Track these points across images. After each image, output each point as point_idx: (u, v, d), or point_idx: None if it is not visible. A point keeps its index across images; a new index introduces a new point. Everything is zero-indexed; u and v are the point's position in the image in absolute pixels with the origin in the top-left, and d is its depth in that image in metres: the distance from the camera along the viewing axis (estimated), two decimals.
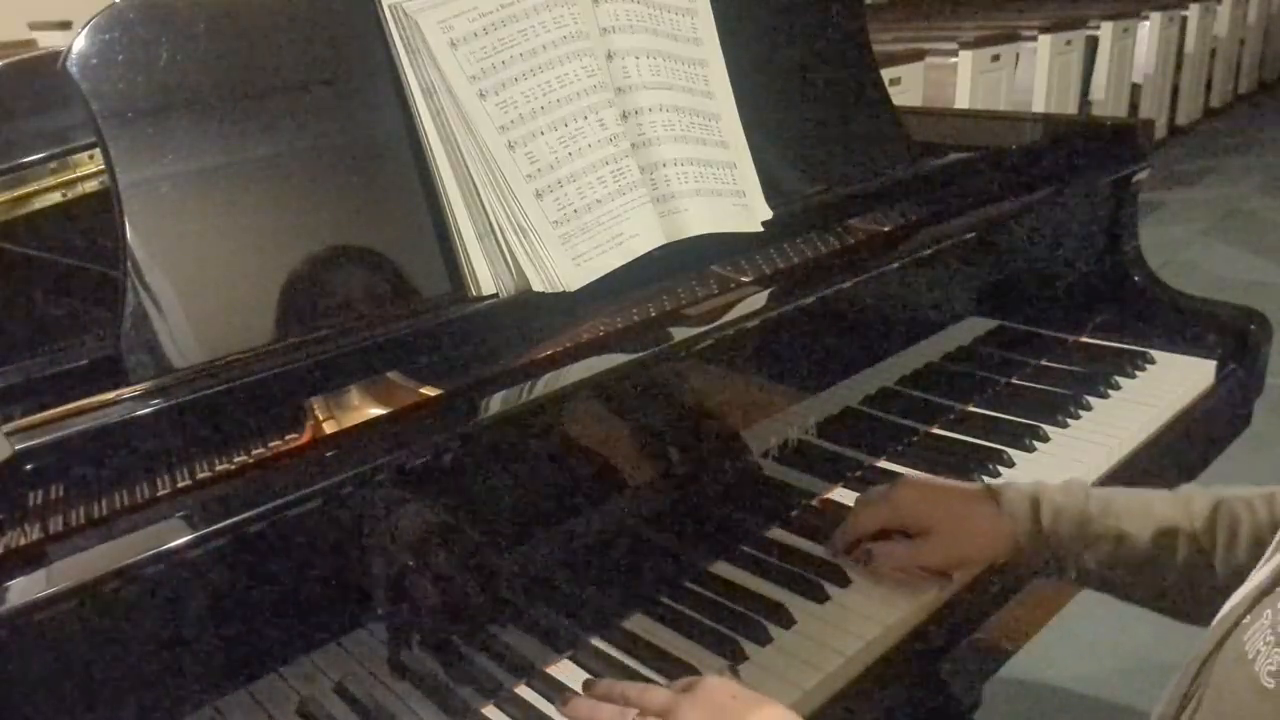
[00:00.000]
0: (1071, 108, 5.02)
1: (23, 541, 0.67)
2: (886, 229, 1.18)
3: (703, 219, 1.06)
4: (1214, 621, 0.68)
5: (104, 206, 0.85)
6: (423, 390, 0.82)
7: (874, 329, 1.20)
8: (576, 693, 0.85)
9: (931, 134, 1.49)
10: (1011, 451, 1.18)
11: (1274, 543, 0.70)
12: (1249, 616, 0.64)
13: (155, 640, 0.69)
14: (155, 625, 0.69)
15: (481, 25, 0.96)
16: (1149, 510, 0.91)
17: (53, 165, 1.04)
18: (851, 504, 1.11)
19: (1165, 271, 1.57)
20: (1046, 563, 0.94)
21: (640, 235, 1.01)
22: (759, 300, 1.00)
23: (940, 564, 0.96)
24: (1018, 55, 4.57)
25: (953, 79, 4.22)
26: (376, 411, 0.80)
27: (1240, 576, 0.74)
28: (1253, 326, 1.43)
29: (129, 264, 0.82)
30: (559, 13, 0.99)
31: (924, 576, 0.96)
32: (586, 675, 0.88)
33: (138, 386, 0.79)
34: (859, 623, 0.93)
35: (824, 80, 1.29)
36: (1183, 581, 0.89)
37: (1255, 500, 0.89)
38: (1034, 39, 4.73)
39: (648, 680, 0.86)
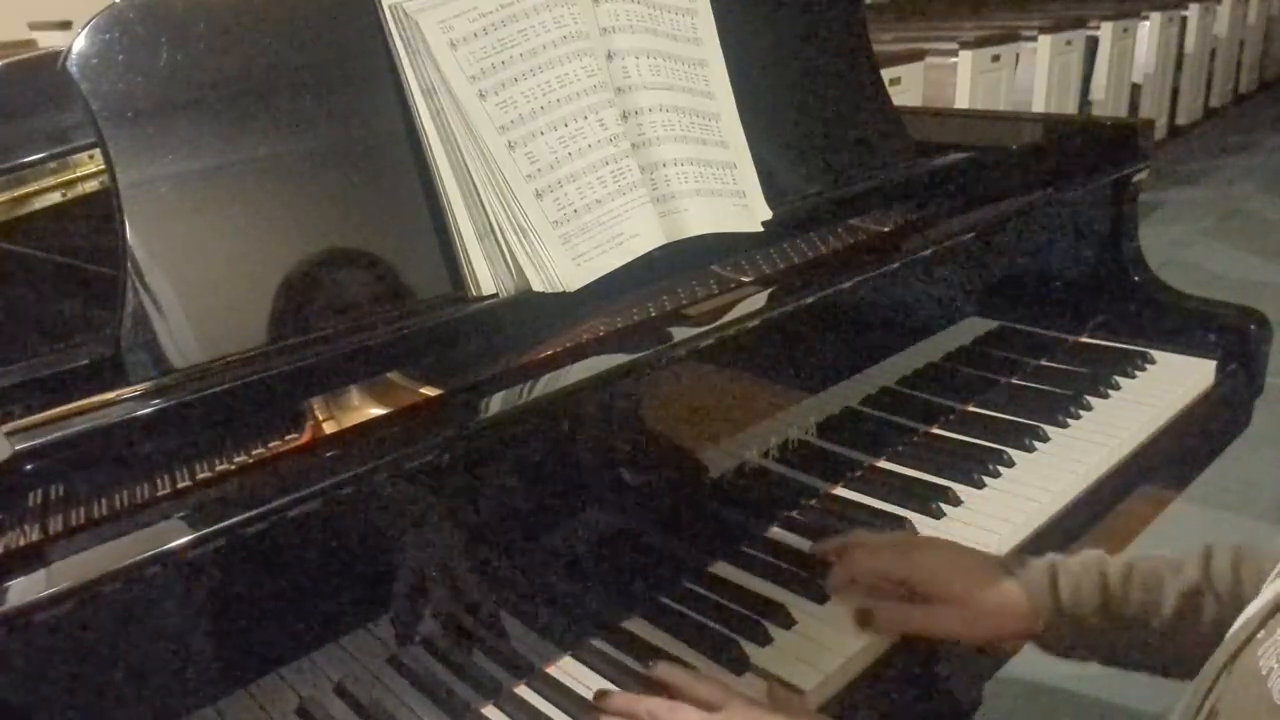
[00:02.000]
0: (1071, 108, 5.02)
1: (23, 541, 0.67)
2: (886, 229, 1.18)
3: (703, 219, 1.06)
4: (1227, 636, 0.67)
5: (104, 206, 0.85)
6: (423, 390, 0.82)
7: (874, 329, 1.20)
8: (590, 701, 0.84)
9: (931, 134, 1.49)
10: (1011, 451, 1.18)
11: None
12: (1262, 632, 0.63)
13: (155, 640, 0.69)
14: (155, 625, 0.69)
15: (481, 25, 0.96)
16: (1170, 574, 0.87)
17: (53, 165, 1.04)
18: (851, 504, 1.11)
19: (1165, 271, 1.57)
20: (1070, 642, 0.89)
21: (640, 235, 1.01)
22: (759, 300, 1.00)
23: (951, 636, 0.91)
24: (1018, 55, 4.56)
25: (953, 79, 4.21)
26: (376, 411, 0.80)
27: None
28: (1253, 326, 1.43)
29: (129, 264, 0.82)
30: (559, 13, 0.99)
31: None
32: (586, 675, 0.88)
33: (138, 386, 0.79)
34: None
35: (824, 80, 1.29)
36: (1213, 644, 0.85)
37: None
38: (1034, 39, 4.73)
39: (647, 679, 0.86)
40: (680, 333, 0.93)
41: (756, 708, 0.80)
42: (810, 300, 1.04)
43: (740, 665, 0.88)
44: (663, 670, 0.85)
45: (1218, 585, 0.86)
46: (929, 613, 0.90)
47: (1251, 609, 0.66)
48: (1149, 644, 0.87)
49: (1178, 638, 0.86)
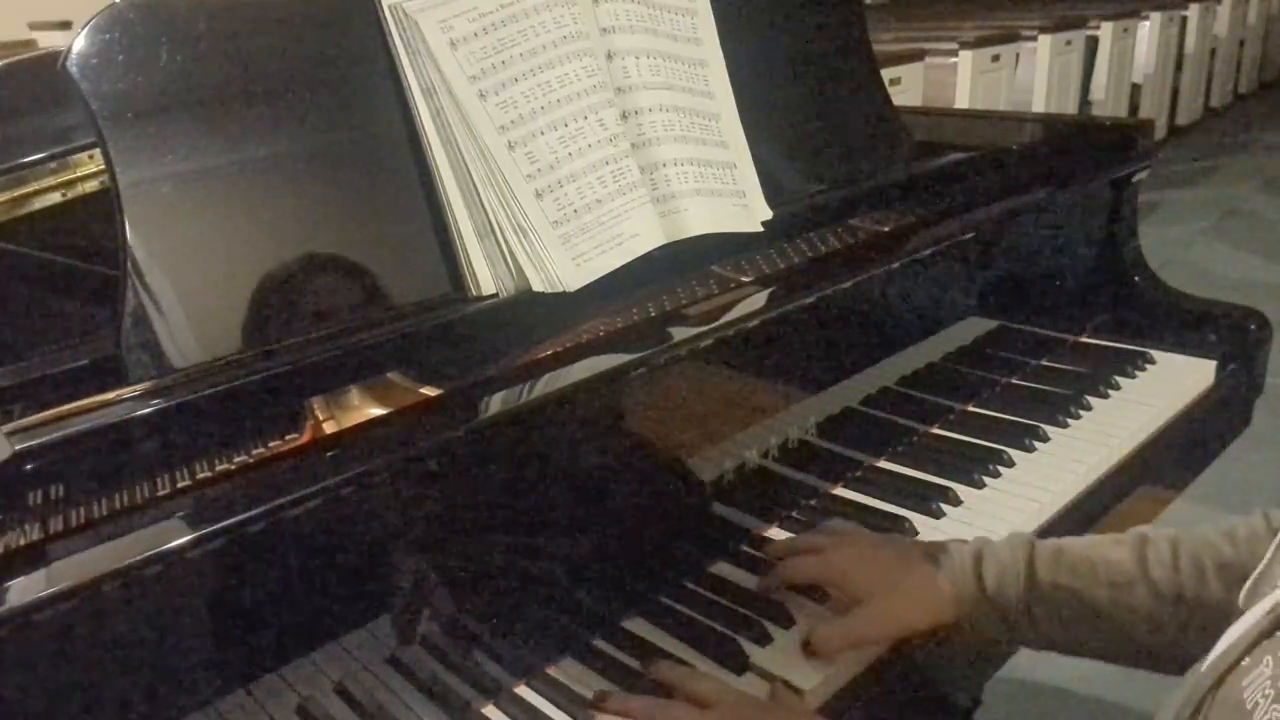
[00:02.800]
0: (1071, 108, 5.02)
1: (23, 541, 0.67)
2: (886, 229, 1.18)
3: (703, 219, 1.06)
4: (1210, 659, 0.66)
5: (104, 206, 0.85)
6: (423, 390, 0.82)
7: (874, 329, 1.20)
8: (590, 701, 0.84)
9: (931, 134, 1.49)
10: (1011, 451, 1.18)
11: (1256, 573, 0.69)
12: (1247, 660, 0.62)
13: (155, 640, 0.69)
14: (155, 625, 0.69)
15: (481, 25, 0.96)
16: (1102, 561, 0.86)
17: (53, 165, 1.04)
18: (851, 504, 1.11)
19: (1165, 271, 1.57)
20: (995, 627, 0.88)
21: (640, 235, 1.01)
22: (759, 300, 1.00)
23: (878, 634, 0.89)
24: (1018, 55, 4.56)
25: (953, 79, 4.21)
26: (376, 411, 0.80)
27: (1217, 612, 0.72)
28: (1253, 326, 1.43)
29: (129, 264, 0.82)
30: (559, 13, 0.99)
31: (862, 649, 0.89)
32: (586, 675, 0.88)
33: (138, 386, 0.79)
34: None
35: (824, 80, 1.29)
36: (1148, 632, 0.84)
37: (1213, 537, 0.85)
38: (1034, 39, 4.73)
39: (646, 680, 0.86)
40: (680, 333, 0.93)
41: (750, 704, 0.80)
42: (810, 300, 1.04)
43: (740, 665, 0.88)
44: (658, 669, 0.85)
45: (1153, 571, 0.85)
46: (853, 616, 0.89)
47: (1236, 631, 0.65)
48: (1079, 630, 0.86)
49: (1111, 624, 0.85)
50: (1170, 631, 0.84)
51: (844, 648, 0.88)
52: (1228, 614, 0.70)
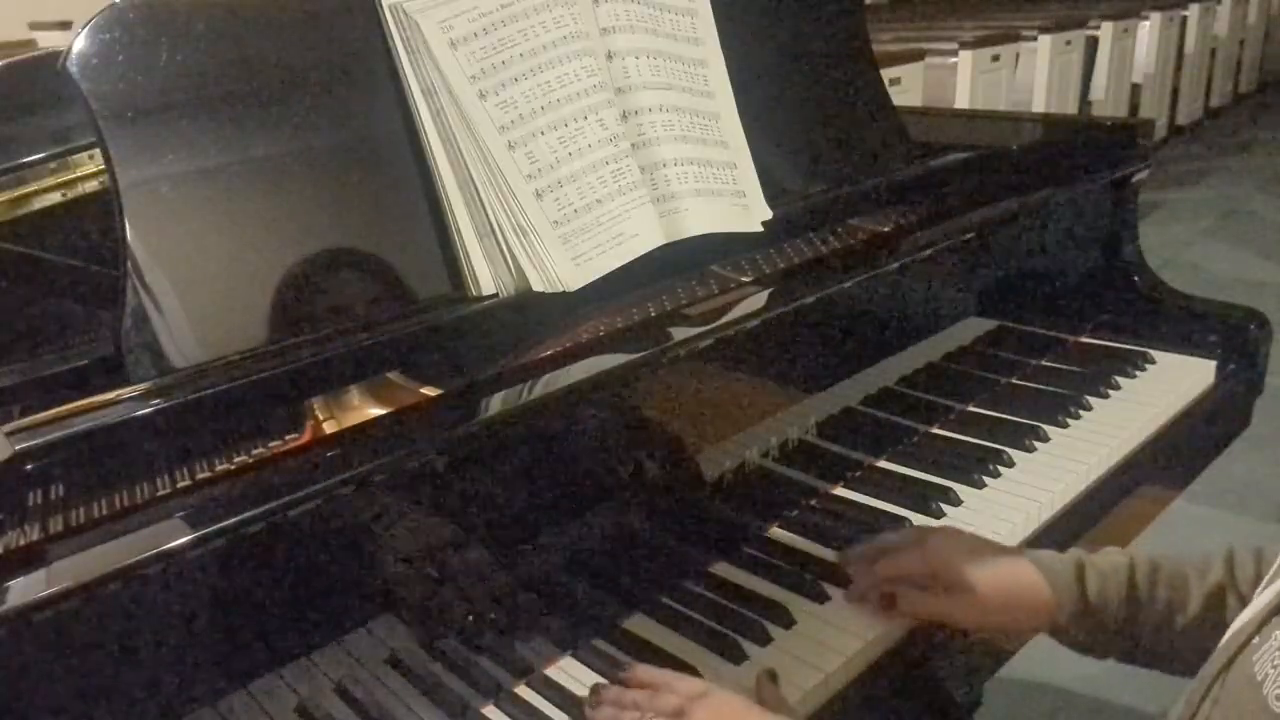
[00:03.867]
0: (1071, 108, 5.02)
1: (23, 541, 0.67)
2: (886, 229, 1.18)
3: (703, 219, 1.06)
4: (1223, 640, 0.67)
5: (104, 206, 0.85)
6: (423, 390, 0.82)
7: (874, 329, 1.20)
8: (576, 694, 0.85)
9: (931, 134, 1.49)
10: (1011, 451, 1.18)
11: (1276, 564, 0.70)
12: (1258, 637, 0.63)
13: (155, 640, 0.69)
14: (155, 625, 0.69)
15: (481, 25, 0.96)
16: (1195, 575, 0.87)
17: (53, 165, 1.04)
18: (851, 504, 1.11)
19: (1165, 271, 1.57)
20: (1090, 637, 0.88)
21: (640, 235, 1.01)
22: (759, 300, 1.00)
23: (970, 626, 0.90)
24: (1018, 55, 4.56)
25: (953, 79, 4.21)
26: (376, 411, 0.80)
27: None
28: (1253, 326, 1.43)
29: (129, 264, 0.82)
30: (559, 13, 0.99)
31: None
32: (587, 675, 0.88)
33: (138, 386, 0.79)
34: (859, 623, 0.93)
35: (824, 80, 1.29)
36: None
37: None
38: (1034, 39, 4.73)
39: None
40: (680, 333, 0.93)
41: (733, 697, 0.80)
42: (810, 300, 1.04)
43: (739, 664, 0.88)
44: (641, 671, 0.84)
45: (1242, 586, 0.86)
46: (948, 601, 0.90)
47: (1246, 614, 0.66)
48: (1171, 643, 0.86)
49: (1200, 638, 0.85)
50: None
51: (923, 616, 0.90)
52: None
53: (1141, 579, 0.87)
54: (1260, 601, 0.65)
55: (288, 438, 0.77)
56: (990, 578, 0.89)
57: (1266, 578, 0.69)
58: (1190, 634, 0.86)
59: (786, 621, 0.93)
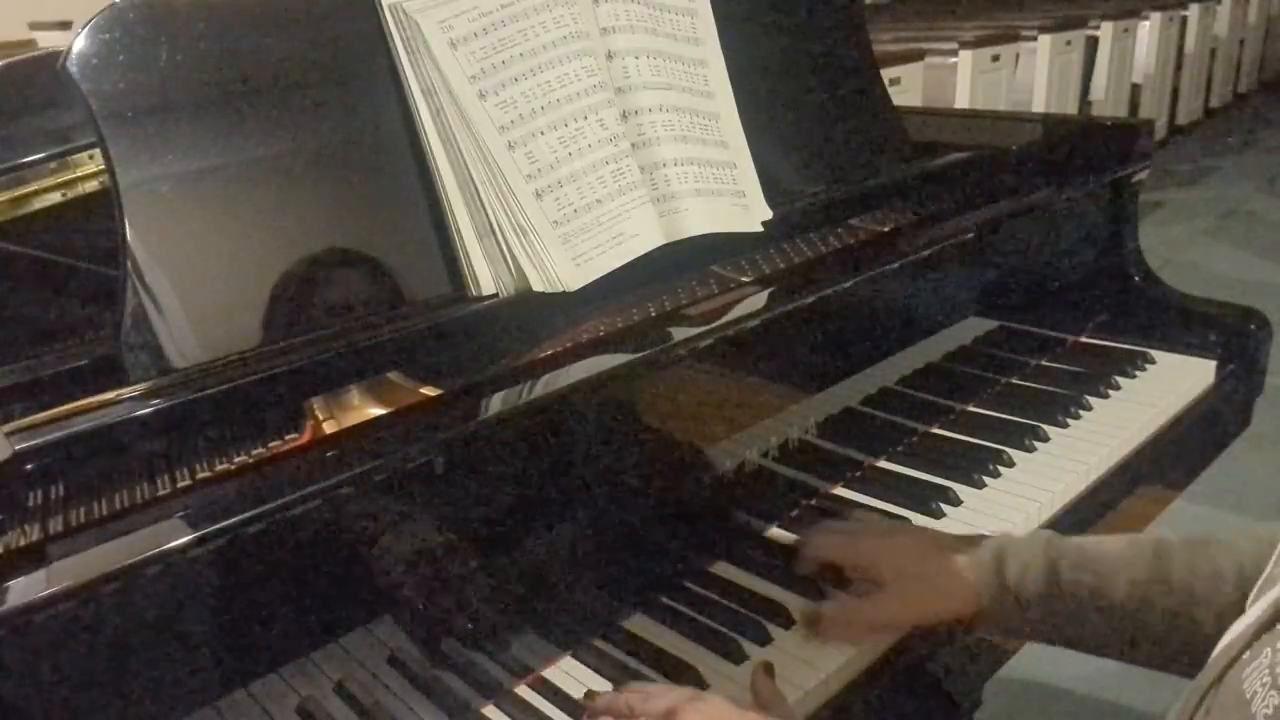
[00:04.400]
0: (1071, 108, 5.02)
1: (23, 541, 0.67)
2: (886, 229, 1.18)
3: (703, 219, 1.06)
4: (1214, 654, 0.67)
5: (104, 206, 0.85)
6: (423, 390, 0.82)
7: (874, 329, 1.20)
8: (573, 694, 0.85)
9: (931, 134, 1.49)
10: (1011, 451, 1.18)
11: (1264, 575, 0.69)
12: (1248, 653, 0.62)
13: (155, 640, 0.69)
14: (155, 625, 0.69)
15: (481, 25, 0.96)
16: (1122, 559, 0.86)
17: (53, 165, 1.04)
18: (851, 504, 1.11)
19: (1165, 271, 1.57)
20: (1013, 622, 0.88)
21: (640, 235, 1.01)
22: (759, 300, 1.00)
23: (896, 620, 0.90)
24: (1018, 55, 4.56)
25: (953, 79, 4.21)
26: (376, 411, 0.80)
27: (1229, 618, 0.72)
28: (1253, 326, 1.43)
29: (129, 264, 0.82)
30: (559, 13, 0.99)
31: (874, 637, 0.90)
32: (587, 675, 0.88)
33: (138, 386, 0.79)
34: None
35: (824, 80, 1.29)
36: (1164, 631, 0.84)
37: (1239, 540, 0.86)
38: (1034, 39, 4.73)
39: (649, 680, 0.86)
40: (680, 333, 0.93)
41: (724, 702, 0.79)
42: (810, 300, 1.04)
43: (740, 665, 0.88)
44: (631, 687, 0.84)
45: (1173, 573, 0.85)
46: (873, 600, 0.89)
47: (1237, 629, 0.65)
48: (1097, 627, 0.86)
49: (1128, 623, 0.85)
50: (1185, 636, 0.84)
51: (859, 631, 0.89)
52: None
53: (1064, 563, 0.87)
54: (1251, 616, 0.65)
55: (288, 438, 0.77)
56: (912, 568, 0.90)
57: (1254, 591, 0.69)
58: (1116, 620, 0.85)
59: (786, 621, 0.93)
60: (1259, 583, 0.69)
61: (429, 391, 0.82)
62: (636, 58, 1.05)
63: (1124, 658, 0.88)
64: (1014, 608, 0.87)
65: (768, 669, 0.84)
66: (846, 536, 0.96)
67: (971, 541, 0.91)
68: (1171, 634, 0.84)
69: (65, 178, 1.04)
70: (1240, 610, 0.72)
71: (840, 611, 0.90)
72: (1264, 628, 0.62)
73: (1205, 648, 0.74)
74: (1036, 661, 1.96)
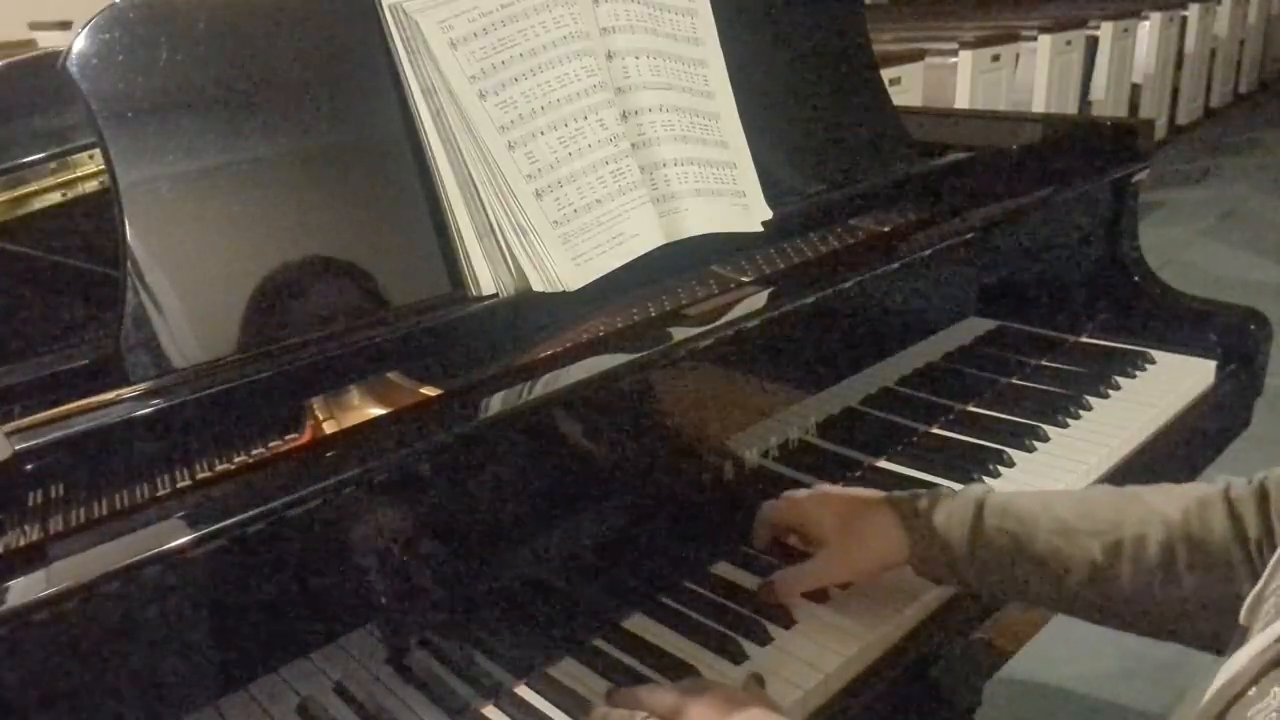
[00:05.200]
0: (1071, 108, 5.02)
1: (23, 541, 0.67)
2: (886, 229, 1.18)
3: (702, 219, 1.06)
4: (1216, 687, 0.65)
5: (104, 206, 0.85)
6: (423, 390, 0.82)
7: (874, 329, 1.20)
8: (590, 701, 0.85)
9: (931, 134, 1.49)
10: (1011, 451, 1.18)
11: (1260, 584, 0.69)
12: (1254, 690, 0.61)
13: (155, 640, 0.69)
14: (155, 625, 0.69)
15: (481, 25, 0.96)
16: (1046, 511, 0.89)
17: (53, 165, 1.04)
18: None
19: (1165, 271, 1.57)
20: (940, 569, 0.92)
21: (640, 235, 1.01)
22: (759, 300, 1.00)
23: (835, 575, 0.95)
24: (1018, 55, 4.57)
25: (953, 79, 4.21)
26: (376, 411, 0.80)
27: (1147, 580, 0.78)
28: (1253, 326, 1.43)
29: (129, 264, 0.82)
30: (559, 13, 0.99)
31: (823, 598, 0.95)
32: (587, 675, 0.88)
33: (138, 386, 0.79)
34: (858, 623, 0.93)
35: (824, 80, 1.29)
36: (1085, 580, 0.86)
37: (1164, 506, 0.86)
38: (1034, 39, 4.73)
39: (649, 681, 0.86)
40: (680, 333, 0.93)
41: (730, 689, 0.80)
42: (810, 300, 1.04)
43: (740, 664, 0.88)
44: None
45: (1098, 526, 0.87)
46: (818, 559, 0.95)
47: (1241, 660, 0.64)
48: (1020, 574, 0.89)
49: (1049, 572, 0.87)
50: (1107, 586, 0.86)
51: (802, 589, 0.95)
52: (1170, 573, 0.81)
53: (990, 512, 0.90)
54: (1255, 646, 0.63)
55: (288, 438, 0.77)
56: (845, 522, 0.94)
57: (1244, 609, 0.68)
58: (1038, 569, 0.88)
59: (786, 622, 0.93)
60: (1251, 595, 0.68)
61: (429, 391, 0.82)
62: (636, 58, 1.05)
63: (1052, 607, 0.92)
64: (939, 553, 0.91)
65: (759, 682, 0.86)
66: (788, 501, 1.01)
67: (907, 495, 0.95)
68: (1093, 583, 0.87)
69: (65, 178, 1.04)
70: (1166, 574, 0.80)
71: (788, 573, 0.95)
72: (1271, 664, 0.61)
73: (1123, 601, 0.84)
74: (1036, 661, 1.96)
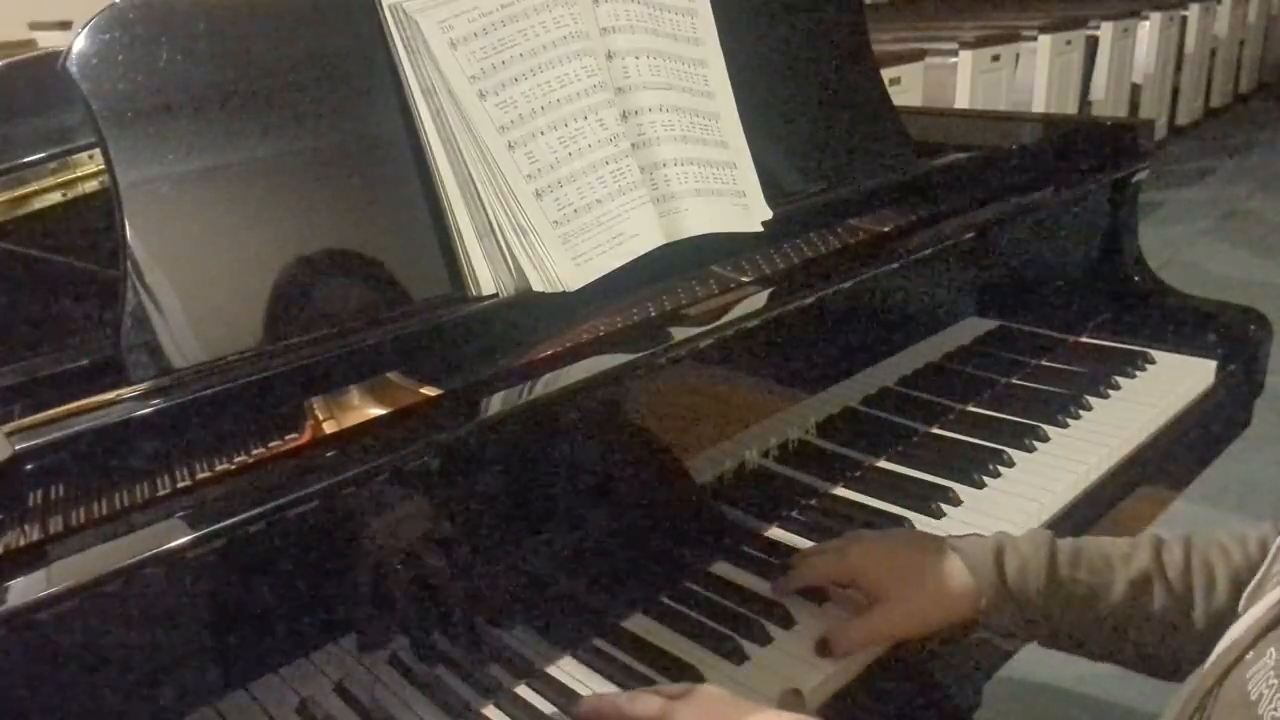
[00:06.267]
0: (1071, 108, 5.02)
1: (23, 541, 0.67)
2: (886, 229, 1.18)
3: (703, 219, 1.06)
4: (1213, 656, 0.66)
5: (104, 206, 0.85)
6: (423, 390, 0.82)
7: (874, 329, 1.20)
8: (576, 694, 0.85)
9: (931, 134, 1.49)
10: (1011, 451, 1.18)
11: (1259, 576, 0.69)
12: (1251, 654, 0.62)
13: (155, 640, 0.69)
14: (155, 625, 0.69)
15: (481, 25, 0.96)
16: (1120, 560, 0.86)
17: (53, 165, 1.04)
18: (851, 504, 1.11)
19: (1165, 271, 1.57)
20: (1012, 622, 0.88)
21: (640, 235, 1.01)
22: (759, 300, 1.00)
23: (899, 632, 0.89)
24: (1018, 55, 4.57)
25: (953, 79, 4.21)
26: (376, 411, 0.80)
27: (1222, 621, 0.72)
28: (1253, 326, 1.43)
29: (129, 264, 0.82)
30: (559, 13, 0.99)
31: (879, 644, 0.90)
32: (586, 675, 0.88)
33: (138, 386, 0.79)
34: None
35: (824, 80, 1.29)
36: (1159, 634, 0.85)
37: (1228, 543, 0.86)
38: (1034, 39, 4.73)
39: (648, 681, 0.86)
40: (680, 333, 0.93)
41: (716, 690, 0.80)
42: (810, 300, 1.04)
43: (740, 665, 0.88)
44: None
45: (1169, 573, 0.85)
46: (875, 614, 0.89)
47: (1238, 629, 0.65)
48: (1095, 628, 0.86)
49: (1125, 624, 0.85)
50: (1180, 640, 0.84)
51: (864, 645, 0.88)
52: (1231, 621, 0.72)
53: (1063, 562, 0.87)
54: (1252, 614, 0.64)
55: (288, 438, 0.77)
56: (909, 574, 0.89)
57: (1247, 592, 0.69)
58: (1113, 620, 0.85)
59: (786, 622, 0.93)
60: (1252, 584, 0.69)
61: (429, 391, 0.82)
62: (636, 58, 1.05)
63: (1115, 660, 0.88)
64: (1013, 606, 0.87)
65: (796, 693, 0.84)
66: (834, 554, 0.94)
67: (967, 542, 0.91)
68: (1165, 637, 0.85)
69: (65, 178, 1.04)
70: (1233, 614, 0.73)
71: (844, 629, 0.89)
72: (1267, 627, 0.62)
73: (1194, 652, 0.75)
74: (1036, 661, 1.96)
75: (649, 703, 0.76)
